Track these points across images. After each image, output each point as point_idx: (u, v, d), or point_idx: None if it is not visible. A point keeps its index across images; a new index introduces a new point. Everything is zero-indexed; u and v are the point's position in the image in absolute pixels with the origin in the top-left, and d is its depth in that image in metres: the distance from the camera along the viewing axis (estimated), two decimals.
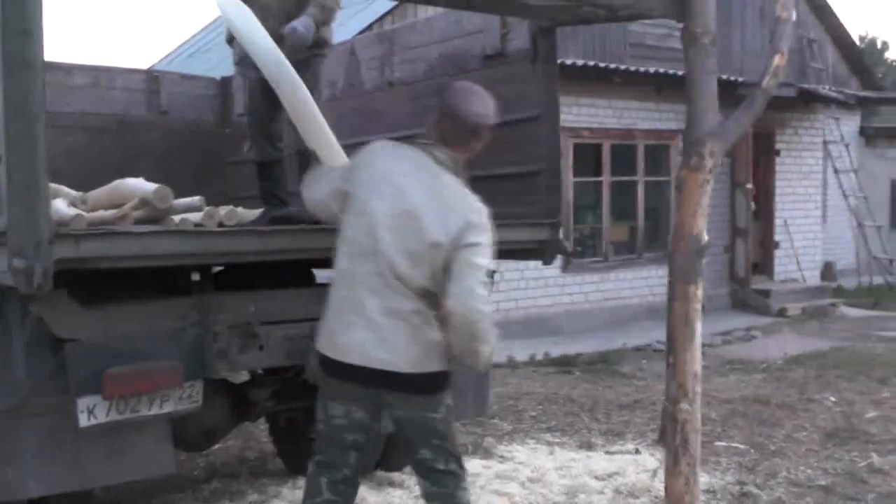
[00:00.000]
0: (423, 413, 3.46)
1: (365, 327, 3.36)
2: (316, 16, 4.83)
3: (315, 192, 3.71)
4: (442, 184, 3.40)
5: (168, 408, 3.83)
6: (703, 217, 3.92)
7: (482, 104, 3.47)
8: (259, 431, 6.44)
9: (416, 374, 3.38)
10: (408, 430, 3.52)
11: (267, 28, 4.59)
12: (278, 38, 4.65)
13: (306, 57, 4.89)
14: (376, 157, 3.52)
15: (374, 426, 3.58)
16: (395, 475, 5.43)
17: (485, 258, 3.36)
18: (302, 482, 5.30)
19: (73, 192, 4.70)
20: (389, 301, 3.35)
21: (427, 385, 3.43)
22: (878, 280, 17.29)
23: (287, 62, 4.29)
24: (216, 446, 5.72)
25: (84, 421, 3.59)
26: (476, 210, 3.39)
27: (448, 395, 3.52)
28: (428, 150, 3.44)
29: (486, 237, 3.37)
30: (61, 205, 4.19)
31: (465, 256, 3.31)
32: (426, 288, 3.36)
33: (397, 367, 3.36)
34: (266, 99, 4.86)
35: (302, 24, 4.72)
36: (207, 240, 3.87)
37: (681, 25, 4.01)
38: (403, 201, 3.36)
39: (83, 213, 4.10)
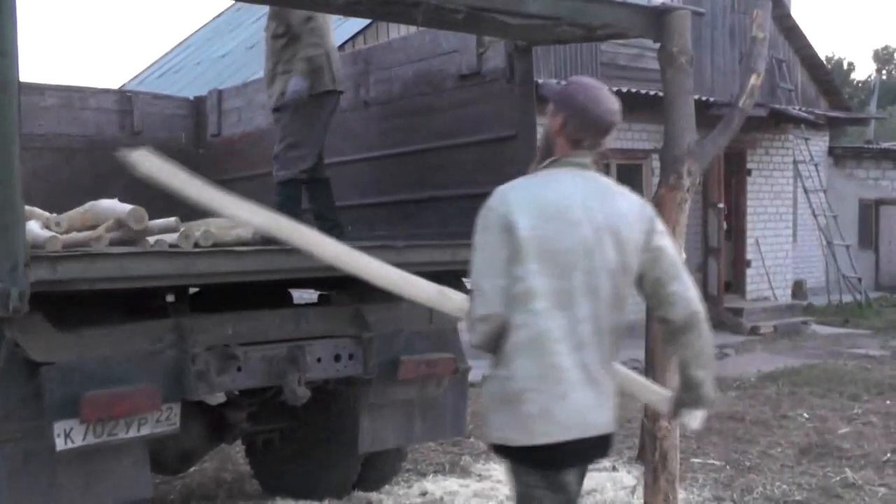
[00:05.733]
0: (585, 471, 3.08)
1: (579, 389, 2.85)
2: (301, 69, 5.32)
3: (497, 298, 2.86)
4: (606, 187, 3.01)
5: (146, 430, 3.79)
6: (680, 236, 3.95)
7: (611, 100, 3.01)
8: (235, 453, 6.38)
9: (611, 434, 2.99)
10: (578, 487, 3.04)
11: (267, 70, 5.60)
12: (270, 79, 5.56)
13: (320, 95, 5.41)
14: (535, 193, 2.94)
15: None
16: (374, 495, 5.41)
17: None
18: (280, 503, 5.27)
19: (46, 214, 4.65)
20: (604, 348, 2.90)
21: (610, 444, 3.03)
22: (847, 298, 17.44)
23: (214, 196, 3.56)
24: (192, 468, 5.67)
25: (61, 445, 3.54)
26: (640, 197, 3.08)
27: None
28: (568, 163, 2.99)
29: (659, 219, 3.05)
30: (35, 227, 4.14)
31: (665, 245, 2.98)
32: (624, 316, 2.96)
33: (610, 427, 2.94)
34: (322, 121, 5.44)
35: (291, 86, 5.32)
36: (185, 261, 3.84)
37: (656, 46, 4.04)
38: (596, 218, 2.89)
39: (58, 235, 4.06)
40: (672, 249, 3.00)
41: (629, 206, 2.97)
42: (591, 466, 5.98)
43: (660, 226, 3.01)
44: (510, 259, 2.84)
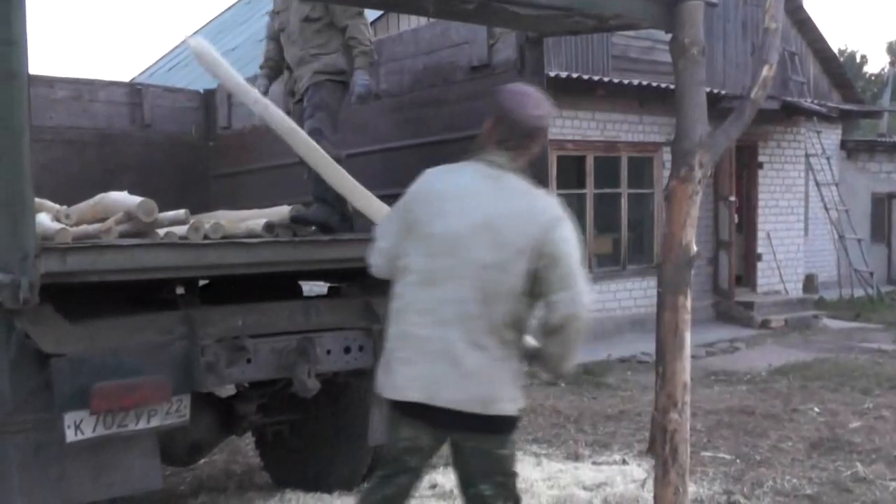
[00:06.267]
0: (490, 448, 3.25)
1: (432, 361, 3.14)
2: (364, 64, 5.30)
3: (382, 257, 3.40)
4: (509, 186, 3.22)
5: (155, 422, 3.79)
6: (692, 228, 3.92)
7: (538, 106, 3.31)
8: (245, 445, 6.39)
9: (492, 416, 3.17)
10: (471, 463, 3.28)
11: (292, 54, 5.44)
12: (298, 62, 5.40)
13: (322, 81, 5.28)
14: (431, 181, 3.32)
15: (435, 451, 3.38)
16: None
17: (577, 250, 3.18)
18: (289, 495, 5.28)
19: (56, 206, 4.67)
20: (468, 332, 3.12)
21: (500, 427, 3.23)
22: (858, 292, 17.38)
23: (271, 106, 4.68)
24: (202, 460, 5.69)
25: (71, 436, 3.54)
26: (552, 204, 3.23)
27: (514, 434, 3.33)
28: (482, 158, 3.27)
29: (570, 229, 3.20)
30: (45, 219, 4.16)
31: (560, 253, 3.13)
32: (512, 311, 3.15)
33: (470, 407, 3.14)
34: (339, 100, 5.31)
35: (360, 83, 5.25)
36: (195, 252, 3.85)
37: (667, 37, 4.01)
38: (475, 213, 3.15)
39: (67, 227, 4.07)
40: (569, 258, 3.15)
41: (527, 209, 3.17)
42: (601, 460, 6.12)
43: (562, 233, 3.16)
44: (403, 231, 3.26)
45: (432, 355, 3.14)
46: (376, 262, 3.40)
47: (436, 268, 3.16)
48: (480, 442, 3.23)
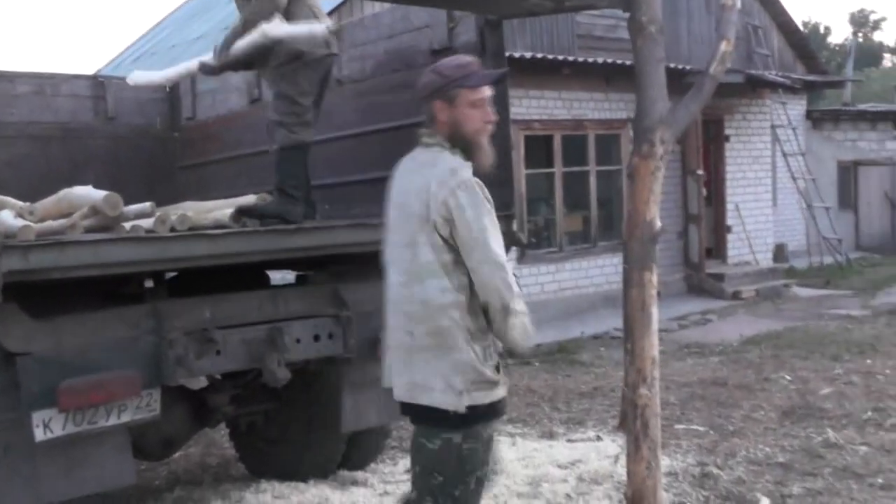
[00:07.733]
0: (417, 436, 3.16)
1: (392, 350, 3.22)
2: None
3: None
4: (418, 161, 3.19)
5: (126, 417, 3.78)
6: (655, 204, 3.93)
7: (428, 71, 3.28)
8: (220, 437, 6.38)
9: (415, 406, 3.12)
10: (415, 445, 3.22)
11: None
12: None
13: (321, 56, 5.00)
14: (393, 174, 3.34)
15: None
16: (359, 474, 5.42)
17: (477, 212, 3.03)
18: (264, 485, 5.27)
19: (19, 203, 4.62)
20: (400, 317, 3.14)
21: (425, 417, 3.12)
22: (828, 259, 17.54)
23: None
24: (177, 454, 5.68)
25: (40, 435, 3.52)
26: (449, 169, 3.08)
27: (457, 434, 3.06)
28: (417, 140, 3.25)
29: (468, 193, 3.03)
30: (8, 216, 4.11)
31: (457, 221, 3.02)
32: (438, 294, 3.03)
33: (399, 394, 3.18)
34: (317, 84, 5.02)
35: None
36: (160, 245, 3.82)
37: (628, 16, 4.02)
38: (395, 198, 3.23)
39: (31, 224, 4.03)
40: (466, 225, 3.02)
41: (425, 181, 3.07)
42: (575, 437, 6.16)
43: (458, 200, 3.01)
44: None
45: (389, 345, 3.24)
46: None
47: (387, 256, 3.25)
48: (415, 432, 3.19)
